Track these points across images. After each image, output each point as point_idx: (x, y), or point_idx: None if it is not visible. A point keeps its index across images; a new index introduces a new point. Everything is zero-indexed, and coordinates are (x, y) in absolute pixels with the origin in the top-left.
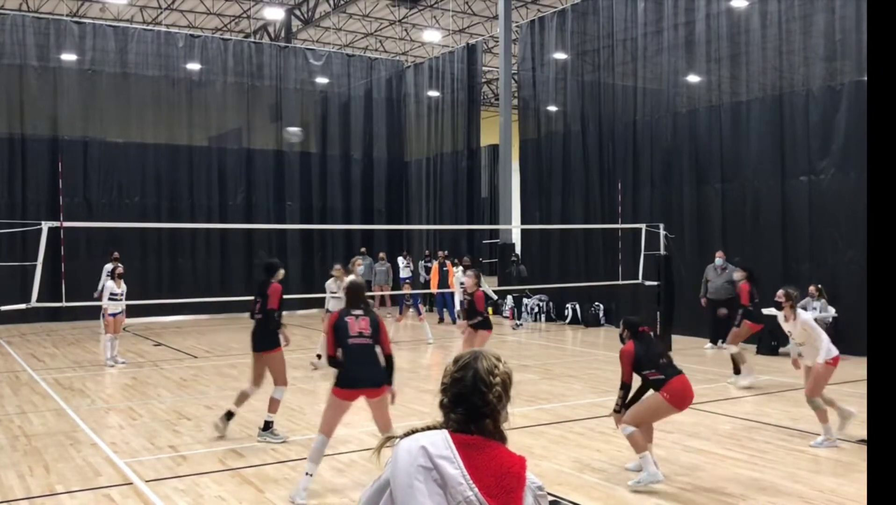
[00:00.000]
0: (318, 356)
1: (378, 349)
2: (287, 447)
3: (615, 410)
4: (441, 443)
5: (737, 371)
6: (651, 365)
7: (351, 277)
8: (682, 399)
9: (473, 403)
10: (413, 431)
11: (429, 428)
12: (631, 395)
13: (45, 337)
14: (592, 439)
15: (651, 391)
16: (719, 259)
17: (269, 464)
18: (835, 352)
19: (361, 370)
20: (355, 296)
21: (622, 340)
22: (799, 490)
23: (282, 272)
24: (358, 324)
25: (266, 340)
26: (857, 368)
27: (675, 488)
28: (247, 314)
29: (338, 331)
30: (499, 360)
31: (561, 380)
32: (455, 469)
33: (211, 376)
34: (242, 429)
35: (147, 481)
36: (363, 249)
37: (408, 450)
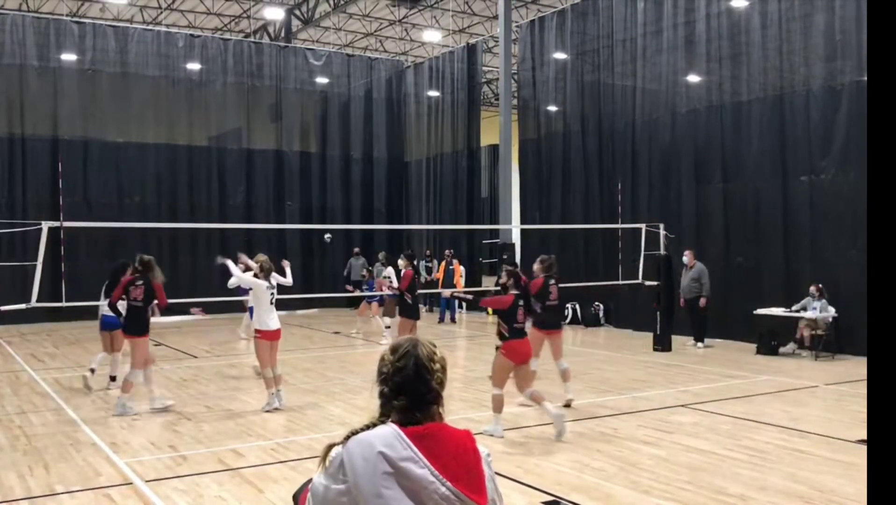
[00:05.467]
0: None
1: None
2: (287, 447)
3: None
4: (397, 443)
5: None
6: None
7: None
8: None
9: (418, 391)
10: (355, 432)
11: (371, 425)
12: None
13: (45, 337)
14: (592, 439)
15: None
16: (686, 258)
17: (269, 464)
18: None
19: None
20: None
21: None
22: (799, 490)
23: None
24: None
25: None
26: (857, 368)
27: (676, 488)
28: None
29: None
30: (435, 346)
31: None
32: (422, 468)
33: (211, 376)
34: (242, 429)
35: (147, 481)
36: (381, 255)
37: (364, 458)
